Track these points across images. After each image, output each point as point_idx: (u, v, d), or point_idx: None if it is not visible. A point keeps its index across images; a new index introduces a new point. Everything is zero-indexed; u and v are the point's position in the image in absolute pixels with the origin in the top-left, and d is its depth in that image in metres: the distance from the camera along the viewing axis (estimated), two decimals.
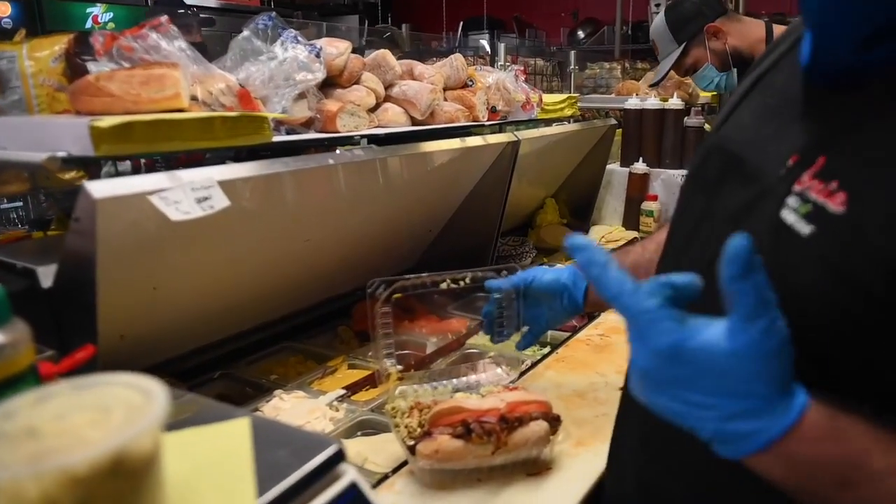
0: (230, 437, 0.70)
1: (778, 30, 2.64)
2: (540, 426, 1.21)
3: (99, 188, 1.01)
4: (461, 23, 7.85)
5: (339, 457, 0.72)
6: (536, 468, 1.26)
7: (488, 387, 1.38)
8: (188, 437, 0.69)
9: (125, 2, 5.32)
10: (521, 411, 1.21)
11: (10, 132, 1.28)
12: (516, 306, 1.42)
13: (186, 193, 1.10)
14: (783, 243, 0.75)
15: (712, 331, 0.67)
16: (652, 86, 3.11)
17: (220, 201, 1.14)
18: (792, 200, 0.76)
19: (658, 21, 2.74)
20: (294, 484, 0.66)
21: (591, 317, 1.96)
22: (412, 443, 1.20)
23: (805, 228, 0.73)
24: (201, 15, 4.89)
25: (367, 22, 7.66)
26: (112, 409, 0.54)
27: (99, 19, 4.95)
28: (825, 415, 0.68)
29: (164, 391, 0.55)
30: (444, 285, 1.47)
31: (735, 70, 2.66)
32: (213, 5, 5.89)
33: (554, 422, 1.24)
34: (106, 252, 1.07)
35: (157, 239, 1.21)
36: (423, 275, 1.47)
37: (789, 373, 0.67)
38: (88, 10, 4.92)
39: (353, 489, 0.71)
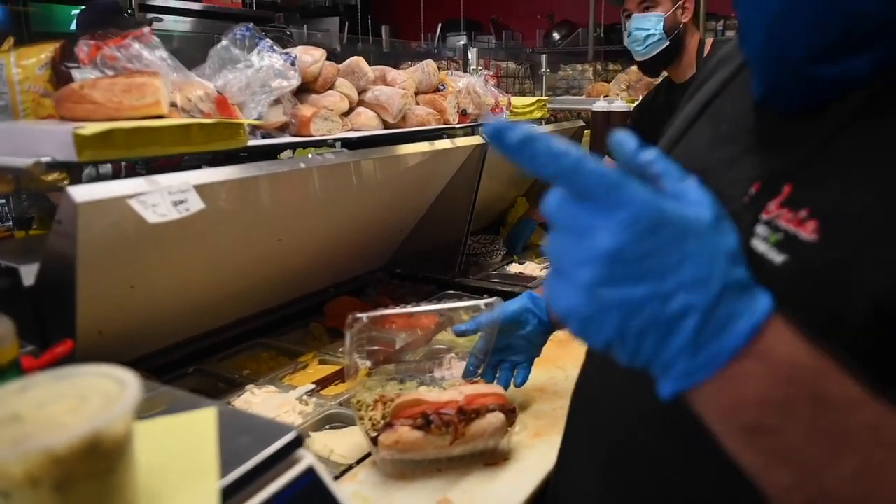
0: (197, 425, 0.76)
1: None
2: (496, 418, 1.28)
3: (80, 192, 1.08)
4: (440, 24, 7.90)
5: (298, 443, 0.79)
6: (494, 458, 1.33)
7: (451, 381, 1.46)
8: (159, 425, 0.76)
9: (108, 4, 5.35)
10: (478, 403, 1.28)
11: None
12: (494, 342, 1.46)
13: (164, 197, 1.16)
14: (756, 274, 0.68)
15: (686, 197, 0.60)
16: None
17: (196, 204, 1.20)
18: (761, 229, 0.76)
19: None
20: (255, 467, 0.73)
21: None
22: (375, 434, 1.27)
23: (777, 257, 0.73)
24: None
25: (347, 23, 7.71)
26: (89, 397, 0.61)
27: None
28: (793, 326, 0.60)
29: (136, 380, 0.61)
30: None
31: (667, 43, 2.62)
32: (196, 8, 5.91)
33: (510, 414, 1.31)
34: (86, 253, 1.13)
35: (135, 239, 1.27)
36: (402, 309, 1.53)
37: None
38: (73, 12, 4.95)
39: (310, 473, 0.78)
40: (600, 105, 3.05)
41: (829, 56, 0.72)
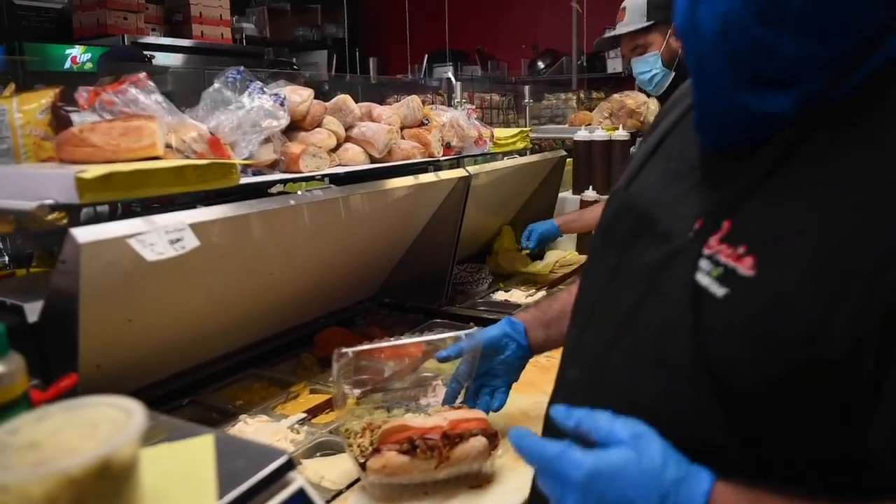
0: (196, 451, 0.83)
1: None
2: (479, 441, 1.34)
3: (83, 234, 1.14)
4: (426, 55, 8.04)
5: (289, 466, 0.85)
6: (478, 481, 1.39)
7: (435, 407, 1.51)
8: (160, 452, 0.82)
9: (103, 44, 5.46)
10: (462, 428, 1.33)
11: (1, 182, 1.40)
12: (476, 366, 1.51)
13: (161, 236, 1.23)
14: (701, 306, 0.82)
15: (614, 449, 0.80)
16: (599, 41, 2.98)
17: (191, 242, 1.27)
18: (704, 263, 0.83)
19: None
20: (250, 488, 0.79)
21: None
22: (363, 460, 1.32)
23: (719, 291, 0.80)
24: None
25: (335, 56, 7.84)
26: (99, 425, 0.67)
27: (77, 60, 5.09)
28: (734, 488, 0.76)
29: (141, 410, 0.68)
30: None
31: (672, 74, 2.67)
32: (187, 44, 6.01)
33: (493, 438, 1.37)
34: (88, 290, 1.20)
35: (134, 276, 1.33)
36: (386, 343, 1.58)
37: (682, 458, 0.79)
38: (67, 51, 5.06)
39: (300, 494, 0.84)
40: (582, 135, 3.14)
41: (752, 88, 0.80)
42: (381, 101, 2.81)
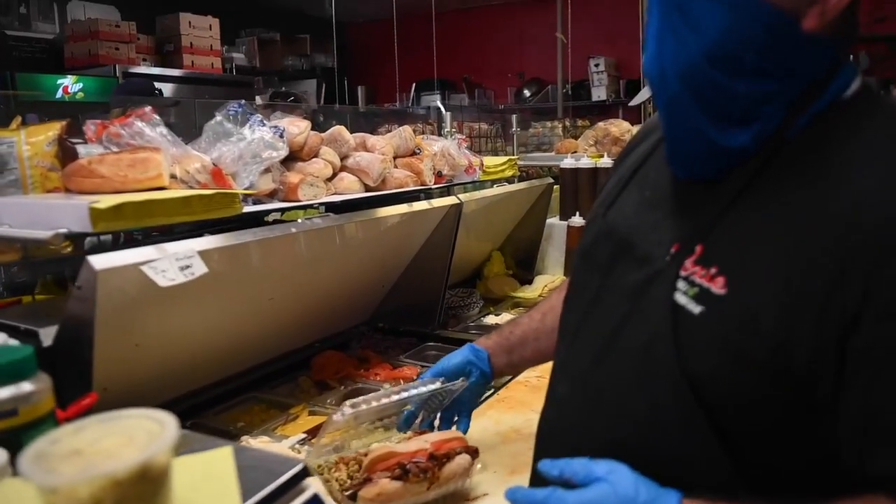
0: (217, 461, 0.89)
1: None
2: (465, 459, 1.38)
3: (99, 261, 1.21)
4: (414, 84, 8.15)
5: (304, 474, 0.92)
6: (466, 498, 1.44)
7: (400, 434, 1.51)
8: (184, 462, 0.88)
9: (94, 73, 5.54)
10: (447, 448, 1.38)
11: (12, 211, 1.46)
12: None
13: (171, 263, 1.30)
14: (680, 323, 0.90)
15: (594, 485, 0.90)
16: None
17: (200, 268, 1.34)
18: (681, 284, 0.92)
19: None
20: (269, 494, 0.85)
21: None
22: (350, 492, 1.31)
23: (696, 308, 0.89)
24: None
25: (324, 85, 7.94)
26: (135, 435, 0.73)
27: (69, 89, 5.17)
28: (698, 501, 0.87)
29: (174, 421, 0.74)
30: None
31: None
32: (178, 75, 6.10)
33: (474, 454, 1.42)
34: (103, 315, 1.26)
35: (143, 302, 1.39)
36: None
37: (652, 482, 0.89)
38: (59, 81, 5.14)
39: (315, 499, 0.90)
40: (568, 162, 3.22)
41: (717, 125, 0.91)
42: (371, 130, 2.89)
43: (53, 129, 1.79)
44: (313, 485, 0.93)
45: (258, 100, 6.23)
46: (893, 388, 0.79)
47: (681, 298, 0.91)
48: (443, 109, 3.19)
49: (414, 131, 2.59)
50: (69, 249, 1.86)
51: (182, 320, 1.61)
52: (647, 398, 0.95)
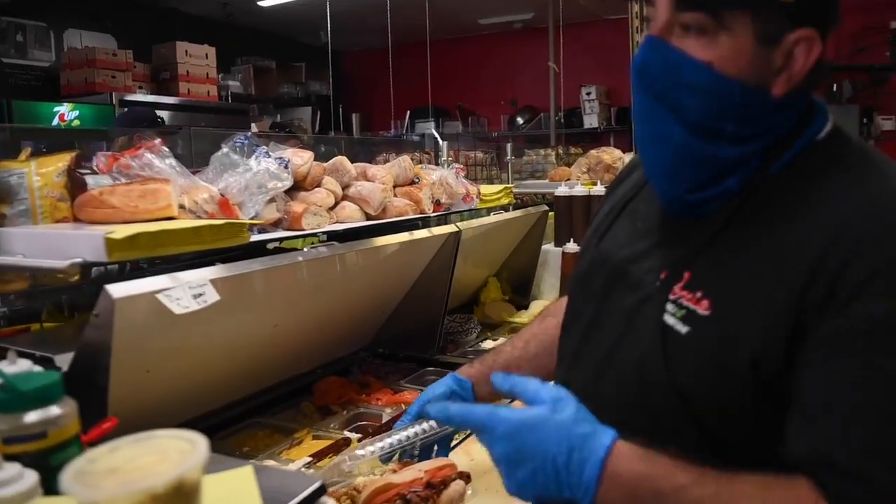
0: (240, 479, 0.93)
1: None
2: (459, 485, 1.41)
3: (117, 289, 1.25)
4: (408, 112, 8.24)
5: (322, 491, 0.96)
6: None
7: (383, 466, 1.54)
8: (209, 480, 0.92)
9: (90, 101, 5.60)
10: (443, 475, 1.41)
11: (26, 241, 1.51)
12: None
13: (185, 291, 1.34)
14: (669, 341, 1.00)
15: (537, 407, 0.96)
16: None
17: (212, 296, 1.38)
18: (670, 307, 1.01)
19: None
20: None
21: None
22: None
23: (683, 328, 0.99)
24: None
25: (319, 112, 8.03)
26: (168, 453, 0.77)
27: (65, 117, 5.22)
28: (632, 446, 0.93)
29: (204, 440, 0.78)
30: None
31: None
32: (174, 102, 6.17)
33: (466, 479, 1.44)
34: (119, 342, 1.30)
35: (155, 329, 1.43)
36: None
37: (593, 418, 0.96)
38: (55, 108, 5.19)
39: None
40: (562, 190, 3.29)
41: (706, 186, 1.03)
42: (367, 158, 2.95)
43: (63, 160, 1.84)
44: (330, 501, 0.97)
45: (254, 127, 6.32)
46: (828, 378, 0.89)
47: (669, 319, 1.01)
48: (439, 139, 3.24)
49: (412, 160, 2.65)
50: (76, 278, 1.91)
51: (191, 347, 1.65)
52: (643, 409, 1.03)
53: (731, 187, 1.01)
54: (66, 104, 5.39)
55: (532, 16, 8.38)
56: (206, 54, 6.83)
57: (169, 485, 0.72)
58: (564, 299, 1.38)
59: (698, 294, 0.99)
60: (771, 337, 0.91)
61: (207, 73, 6.79)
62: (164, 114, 6.06)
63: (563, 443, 0.92)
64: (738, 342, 0.94)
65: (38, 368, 1.16)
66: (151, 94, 6.40)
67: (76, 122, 5.27)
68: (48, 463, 0.96)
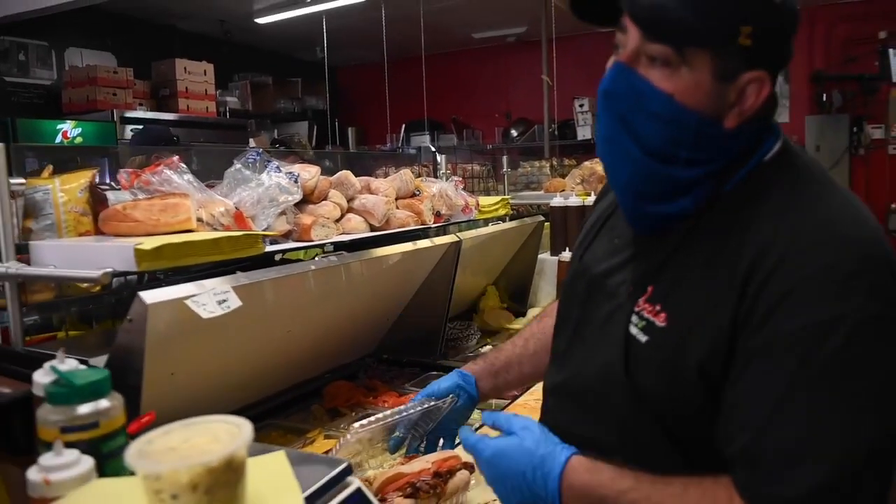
0: (274, 462, 1.03)
1: None
2: (465, 475, 1.51)
3: (150, 296, 1.35)
4: (403, 125, 8.36)
5: (348, 471, 1.07)
6: None
7: (392, 459, 1.63)
8: (248, 462, 1.03)
9: (92, 119, 5.70)
10: (448, 465, 1.51)
11: (58, 253, 1.61)
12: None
13: (210, 297, 1.45)
14: (631, 349, 1.13)
15: (509, 437, 1.18)
16: None
17: (235, 302, 1.49)
18: (634, 318, 1.14)
19: None
20: (321, 486, 1.00)
21: (528, 386, 2.31)
22: None
23: (643, 338, 1.12)
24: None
25: (315, 127, 8.14)
26: (218, 434, 0.88)
27: (68, 134, 5.33)
28: (584, 460, 1.11)
29: (249, 424, 0.89)
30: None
31: None
32: (173, 119, 6.27)
33: (471, 469, 1.54)
34: (151, 345, 1.40)
35: (181, 333, 1.53)
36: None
37: (553, 440, 1.15)
38: (59, 126, 5.30)
39: (358, 492, 1.05)
40: (558, 201, 3.40)
41: (663, 200, 1.13)
42: (364, 171, 3.05)
43: (85, 177, 1.95)
44: (356, 481, 1.08)
45: (252, 142, 6.43)
46: (747, 387, 1.00)
47: (633, 329, 1.14)
48: (437, 155, 3.36)
49: (412, 173, 2.76)
50: (97, 288, 2.01)
51: (212, 352, 1.75)
52: (613, 408, 1.17)
53: (686, 206, 1.11)
54: (68, 122, 5.50)
55: (525, 29, 8.54)
56: (205, 71, 6.95)
57: (222, 460, 0.83)
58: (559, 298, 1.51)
59: (657, 307, 1.11)
60: (713, 348, 1.03)
61: (206, 90, 6.91)
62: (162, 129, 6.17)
63: (530, 463, 1.13)
64: (686, 351, 1.05)
65: (83, 367, 1.26)
66: (151, 110, 6.51)
67: (79, 140, 5.37)
68: (100, 450, 1.06)
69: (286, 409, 2.23)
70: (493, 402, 2.16)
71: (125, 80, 6.38)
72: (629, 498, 1.05)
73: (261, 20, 7.12)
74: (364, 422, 1.54)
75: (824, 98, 7.78)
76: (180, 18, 7.61)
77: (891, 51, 7.22)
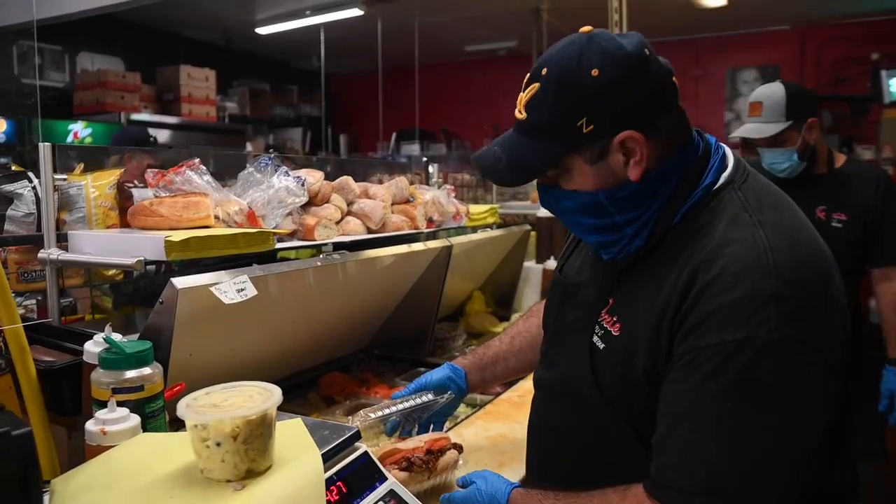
0: (293, 427, 1.21)
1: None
2: (454, 454, 1.68)
3: (180, 281, 1.53)
4: (394, 134, 8.53)
5: (357, 436, 1.24)
6: (455, 486, 1.74)
7: (389, 439, 1.80)
8: None
9: (101, 120, 5.86)
10: (440, 444, 1.67)
11: (94, 243, 1.78)
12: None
13: (230, 286, 1.62)
14: (593, 355, 1.31)
15: (470, 486, 1.44)
16: (732, 138, 3.06)
17: (252, 291, 1.66)
18: (597, 328, 1.31)
19: (775, 89, 2.87)
20: (334, 447, 1.17)
21: (511, 383, 2.49)
22: None
23: (601, 344, 1.29)
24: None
25: (310, 133, 8.31)
26: (253, 395, 1.06)
27: (79, 134, 5.49)
28: (524, 491, 1.36)
29: (278, 388, 1.07)
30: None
31: (804, 164, 2.84)
32: (176, 122, 6.43)
33: (460, 450, 1.71)
34: (179, 326, 1.58)
35: (202, 317, 1.70)
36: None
37: (502, 481, 1.40)
38: (70, 126, 5.46)
39: (365, 455, 1.23)
40: (544, 212, 3.58)
41: (619, 245, 1.30)
42: (361, 179, 3.21)
43: (114, 175, 2.12)
44: (363, 445, 1.25)
45: (248, 147, 6.59)
46: (665, 398, 1.17)
47: (595, 338, 1.32)
48: (431, 165, 3.53)
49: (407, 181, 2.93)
50: (120, 277, 2.18)
51: (224, 338, 1.92)
52: (585, 404, 1.33)
53: (639, 245, 1.27)
54: (79, 123, 5.67)
55: (516, 43, 8.75)
56: (207, 77, 7.12)
57: (258, 414, 1.01)
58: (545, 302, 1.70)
59: (614, 318, 1.28)
60: (654, 357, 1.19)
61: (207, 95, 7.08)
62: (165, 132, 6.33)
63: (483, 501, 1.38)
64: (635, 358, 1.21)
65: (124, 339, 1.43)
66: (156, 113, 6.68)
67: (89, 140, 5.54)
68: (143, 410, 1.25)
69: (285, 395, 2.35)
70: (479, 397, 2.34)
71: (132, 84, 6.56)
72: None
73: (262, 30, 7.29)
74: (378, 412, 1.74)
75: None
76: (185, 27, 7.79)
77: (883, 72, 7.08)
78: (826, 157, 2.98)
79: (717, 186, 1.24)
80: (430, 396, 1.81)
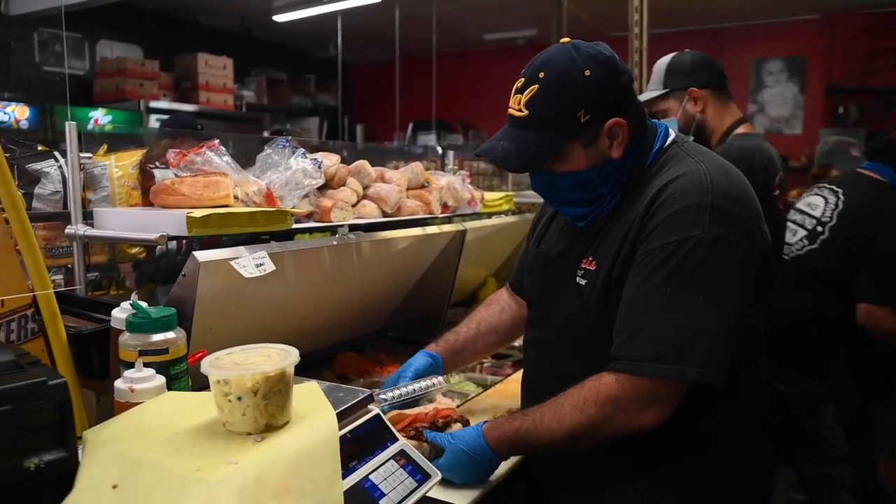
0: (309, 390, 1.27)
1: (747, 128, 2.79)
2: (458, 425, 1.72)
3: (202, 255, 1.60)
4: (410, 124, 8.57)
5: (370, 399, 1.31)
6: None
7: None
8: None
9: (121, 107, 5.96)
10: (444, 415, 1.71)
11: (118, 219, 1.85)
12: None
13: (250, 261, 1.69)
14: (580, 292, 1.57)
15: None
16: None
17: (270, 266, 1.73)
18: (578, 272, 1.59)
19: (666, 58, 2.85)
20: (348, 407, 1.24)
21: (519, 362, 2.54)
22: None
23: (582, 281, 1.57)
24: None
25: (326, 123, 8.37)
26: (272, 355, 1.12)
27: (99, 121, 5.58)
28: (492, 421, 1.57)
29: (295, 350, 1.13)
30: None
31: (690, 138, 2.66)
32: (194, 110, 6.51)
33: (465, 423, 1.74)
34: (200, 298, 1.64)
35: (224, 291, 1.77)
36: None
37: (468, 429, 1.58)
38: (91, 113, 5.56)
39: (377, 417, 1.29)
40: None
41: (600, 207, 1.57)
42: (374, 165, 3.27)
43: (137, 156, 2.19)
44: (376, 408, 1.32)
45: (264, 135, 6.66)
46: (631, 281, 1.45)
47: (577, 279, 1.59)
48: (446, 152, 3.58)
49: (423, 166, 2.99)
50: (143, 255, 2.24)
51: (242, 313, 1.99)
52: (580, 344, 1.60)
53: (613, 205, 1.58)
54: (100, 110, 5.77)
55: (536, 32, 8.75)
56: (225, 65, 7.19)
57: (277, 371, 1.07)
58: (503, 291, 2.12)
59: (591, 259, 1.56)
60: (622, 267, 1.48)
61: (225, 84, 7.15)
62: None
63: (466, 453, 1.53)
64: (609, 274, 1.50)
65: (150, 308, 1.50)
66: (174, 101, 6.76)
67: (109, 127, 5.63)
68: (168, 372, 1.31)
69: (300, 373, 2.44)
70: (489, 378, 2.39)
71: (151, 72, 6.65)
72: (534, 415, 1.49)
73: (279, 17, 7.36)
74: (394, 394, 1.79)
75: (840, 111, 7.61)
76: (203, 14, 7.87)
77: None
78: (722, 136, 2.81)
79: (664, 146, 1.59)
80: (440, 380, 1.87)
